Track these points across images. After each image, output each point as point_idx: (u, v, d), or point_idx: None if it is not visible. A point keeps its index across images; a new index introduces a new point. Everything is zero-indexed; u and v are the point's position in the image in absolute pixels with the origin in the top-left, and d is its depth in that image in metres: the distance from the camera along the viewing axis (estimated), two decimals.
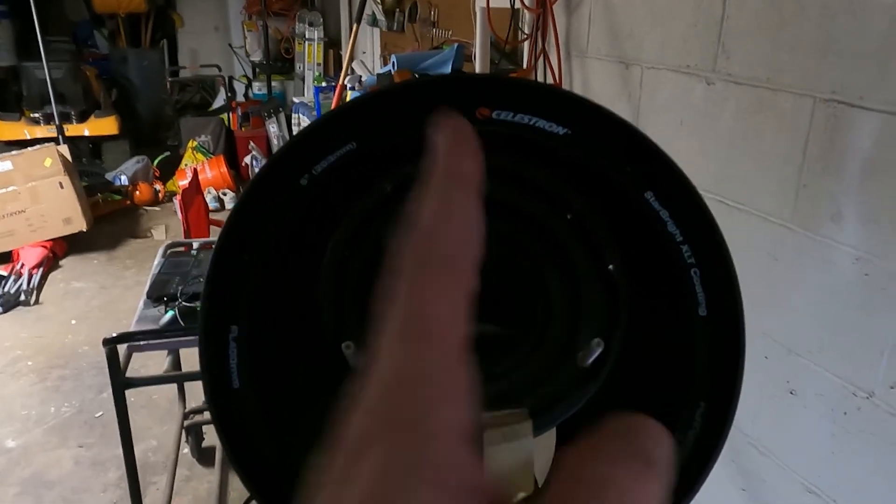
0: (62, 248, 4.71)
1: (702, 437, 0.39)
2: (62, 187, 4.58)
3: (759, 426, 1.63)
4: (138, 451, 2.01)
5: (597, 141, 0.42)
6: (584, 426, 0.40)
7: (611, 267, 0.38)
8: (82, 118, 5.82)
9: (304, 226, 0.42)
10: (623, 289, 0.38)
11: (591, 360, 0.36)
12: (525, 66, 2.33)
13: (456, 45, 3.46)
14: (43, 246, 4.53)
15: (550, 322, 0.39)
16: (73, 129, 5.67)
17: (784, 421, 1.55)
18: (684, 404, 0.40)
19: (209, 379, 0.39)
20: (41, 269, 4.37)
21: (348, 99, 3.99)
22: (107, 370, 1.86)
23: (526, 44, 2.34)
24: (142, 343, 1.93)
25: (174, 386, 2.75)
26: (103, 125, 5.89)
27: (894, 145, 1.25)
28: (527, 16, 2.29)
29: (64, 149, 4.87)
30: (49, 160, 4.60)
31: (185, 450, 2.72)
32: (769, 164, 1.49)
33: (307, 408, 0.45)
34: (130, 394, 1.92)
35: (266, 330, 0.41)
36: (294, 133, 4.88)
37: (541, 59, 2.22)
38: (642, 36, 1.85)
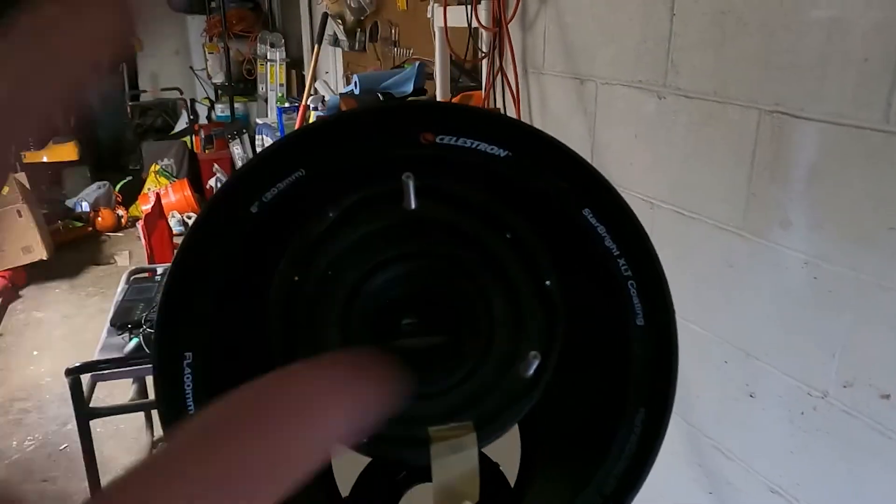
0: (22, 278, 4.61)
1: (642, 439, 0.41)
2: (20, 216, 4.49)
3: (721, 429, 1.67)
4: (105, 481, 1.97)
5: (536, 162, 0.44)
6: (531, 438, 0.42)
7: (548, 283, 0.40)
8: (40, 144, 5.73)
9: (256, 252, 0.43)
10: (559, 303, 0.40)
11: (531, 370, 0.38)
12: (483, 83, 2.37)
13: (417, 63, 3.49)
14: (1, 276, 4.43)
15: (494, 337, 0.41)
16: (31, 156, 5.58)
17: (745, 423, 1.59)
18: (626, 409, 0.42)
19: (165, 406, 0.40)
20: (0, 300, 4.27)
21: (311, 119, 4.00)
22: (71, 401, 1.83)
23: (484, 62, 2.38)
24: (106, 372, 1.91)
25: (141, 415, 2.71)
26: (62, 151, 5.80)
27: (835, 153, 1.30)
28: (484, 35, 2.34)
29: (21, 176, 4.78)
30: (6, 188, 4.51)
31: None
32: (720, 174, 1.54)
33: None
34: (96, 424, 1.89)
35: (220, 356, 0.42)
36: (237, 168, 4.86)
37: (499, 77, 2.26)
38: (595, 52, 1.90)
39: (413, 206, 0.41)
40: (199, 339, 0.41)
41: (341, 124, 0.44)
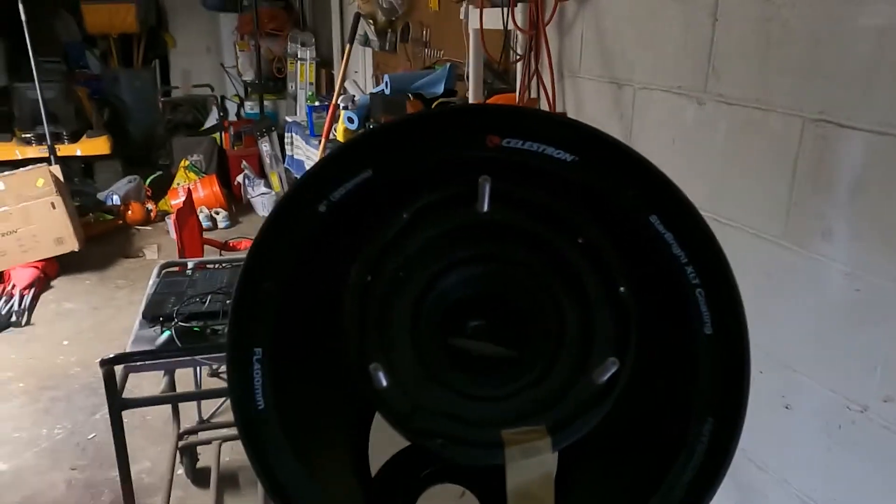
0: (54, 269, 4.69)
1: (710, 450, 0.41)
2: (54, 207, 4.57)
3: (755, 440, 1.65)
4: (132, 472, 1.99)
5: (603, 167, 0.44)
6: (599, 445, 0.42)
7: (622, 289, 0.40)
8: (74, 138, 5.82)
9: (324, 252, 0.43)
10: (633, 310, 0.40)
11: (605, 377, 0.38)
12: (518, 86, 2.36)
13: (448, 64, 3.50)
14: (34, 266, 4.51)
15: (563, 341, 0.41)
16: (64, 150, 5.66)
17: (780, 435, 1.56)
18: (692, 419, 0.42)
19: (236, 399, 0.41)
20: (32, 290, 4.35)
21: (341, 118, 4.02)
22: (99, 391, 1.86)
23: (519, 64, 2.38)
24: (138, 364, 1.93)
25: (168, 406, 2.74)
26: (95, 145, 5.89)
27: (879, 164, 1.28)
28: (520, 37, 2.33)
29: (56, 169, 4.86)
30: (41, 180, 4.59)
31: (180, 471, 2.70)
32: (760, 183, 1.52)
33: (322, 428, 0.46)
34: (124, 414, 1.91)
35: (288, 353, 0.43)
36: (289, 151, 4.85)
37: (534, 80, 2.26)
38: (634, 57, 1.89)
39: (486, 208, 0.41)
40: (267, 335, 0.41)
41: (408, 126, 0.44)
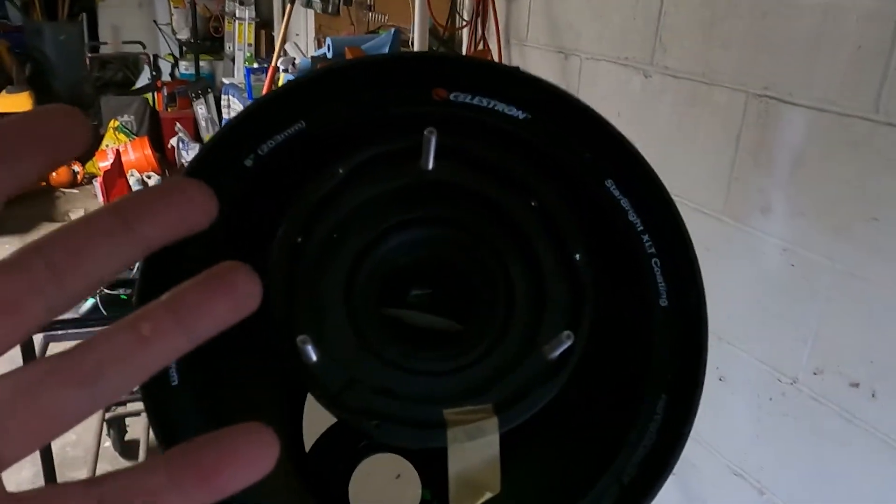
0: None
1: (664, 428, 0.38)
2: None
3: None
4: (55, 445, 1.90)
5: (557, 126, 0.40)
6: (544, 422, 0.39)
7: (577, 256, 0.37)
8: None
9: (249, 211, 0.39)
10: (588, 279, 0.37)
11: (558, 352, 0.35)
12: (464, 53, 2.31)
13: (393, 29, 3.41)
14: None
15: (513, 313, 0.37)
16: None
17: (713, 406, 1.60)
18: (645, 396, 0.39)
19: None
20: None
21: (281, 82, 3.88)
22: (18, 360, 1.75)
23: (465, 31, 2.32)
24: (59, 332, 1.83)
25: None
26: (16, 101, 5.55)
27: (818, 140, 1.30)
28: (466, 2, 2.28)
29: None
30: None
31: (107, 443, 2.60)
32: (704, 157, 1.53)
33: (246, 403, 0.42)
34: None
35: None
36: (226, 114, 4.68)
37: (480, 47, 2.21)
38: (581, 27, 1.86)
39: (430, 166, 0.37)
40: None
41: (346, 72, 0.40)
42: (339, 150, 0.39)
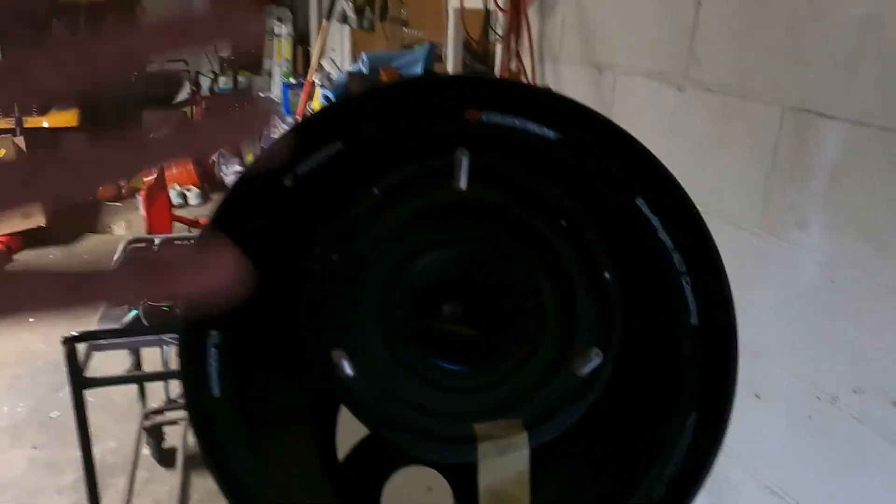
0: (18, 243, 4.57)
1: (694, 446, 0.39)
2: None
3: None
4: (96, 452, 1.95)
5: (588, 145, 0.41)
6: (575, 439, 0.39)
7: (606, 275, 0.38)
8: (42, 110, 5.66)
9: (289, 229, 0.40)
10: (617, 297, 0.38)
11: (588, 369, 0.35)
12: (498, 68, 2.33)
13: (427, 45, 3.45)
14: None
15: (544, 330, 0.38)
16: (32, 121, 5.51)
17: (749, 423, 1.57)
18: (675, 413, 0.40)
19: (189, 386, 0.38)
20: None
21: (317, 96, 3.95)
22: (63, 369, 1.80)
23: (499, 46, 2.34)
24: (103, 342, 1.88)
25: (134, 386, 2.69)
26: (63, 117, 5.73)
27: (859, 155, 1.28)
28: (500, 17, 2.29)
29: (21, 141, 4.72)
30: (3, 151, 4.45)
31: (146, 451, 2.65)
32: (738, 171, 1.52)
33: (283, 416, 0.44)
34: (89, 393, 1.87)
35: (247, 337, 0.40)
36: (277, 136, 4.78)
37: (513, 62, 2.22)
38: (615, 42, 1.86)
39: (463, 186, 0.38)
40: (225, 317, 0.38)
41: (381, 95, 0.41)
42: (375, 170, 0.40)
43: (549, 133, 0.41)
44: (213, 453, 0.37)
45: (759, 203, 1.47)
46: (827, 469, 1.40)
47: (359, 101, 0.41)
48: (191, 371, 0.38)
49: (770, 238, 1.46)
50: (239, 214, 0.38)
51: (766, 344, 1.51)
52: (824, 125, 1.32)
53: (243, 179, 0.40)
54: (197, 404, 0.37)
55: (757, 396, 1.55)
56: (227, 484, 0.36)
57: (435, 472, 0.42)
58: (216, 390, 0.38)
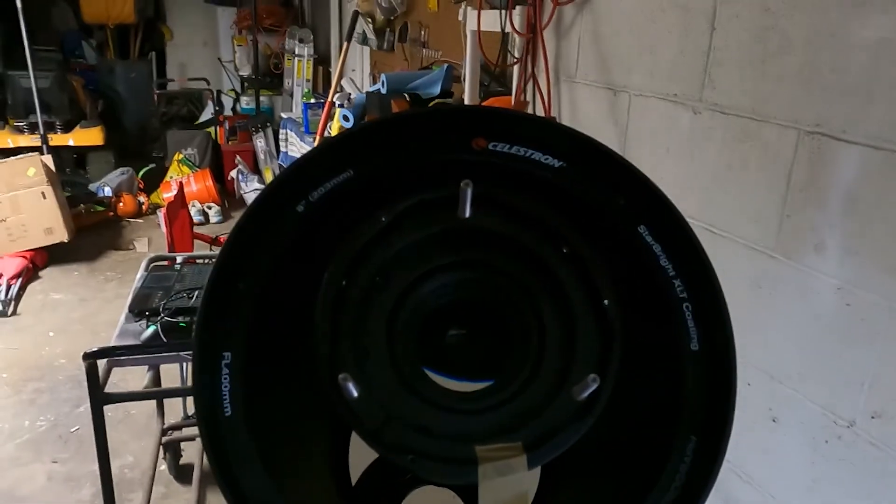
0: (42, 259, 4.65)
1: (693, 470, 0.39)
2: (44, 197, 4.53)
3: (740, 452, 1.64)
4: (114, 466, 1.97)
5: (591, 175, 0.42)
6: (574, 461, 0.40)
7: (606, 302, 0.39)
8: (67, 128, 5.77)
9: (301, 254, 0.42)
10: (617, 324, 0.39)
11: (585, 394, 0.36)
12: (514, 89, 2.35)
13: (445, 65, 3.48)
14: (23, 256, 4.46)
15: (544, 354, 0.39)
16: (57, 139, 5.62)
17: (766, 448, 1.56)
18: (675, 438, 0.40)
19: (201, 406, 0.39)
20: (20, 280, 4.31)
21: (336, 116, 4.00)
22: (84, 384, 1.82)
23: (515, 67, 2.36)
24: (122, 358, 1.91)
25: (153, 401, 2.71)
26: (88, 136, 5.84)
27: (874, 178, 1.27)
28: (517, 40, 2.32)
29: (48, 158, 4.82)
30: (32, 169, 4.55)
31: (163, 466, 2.67)
32: (754, 194, 1.51)
33: (295, 436, 0.45)
34: (108, 408, 1.89)
35: (258, 358, 0.41)
36: (283, 147, 4.83)
37: (530, 84, 2.24)
38: (630, 63, 1.88)
39: (468, 214, 0.40)
40: (238, 339, 0.40)
41: (391, 126, 0.42)
42: (383, 198, 0.41)
43: (554, 161, 0.43)
44: (225, 472, 0.38)
45: (775, 226, 1.47)
46: (844, 494, 1.38)
47: (370, 131, 0.43)
48: (204, 390, 0.39)
49: (785, 261, 1.46)
50: (255, 238, 0.40)
51: (782, 368, 1.50)
52: (840, 148, 1.32)
53: (258, 204, 0.41)
54: (209, 423, 0.38)
55: (774, 421, 1.54)
56: (236, 502, 0.37)
57: (449, 492, 0.43)
58: (228, 409, 0.39)
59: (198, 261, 2.47)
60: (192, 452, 2.66)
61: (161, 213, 4.72)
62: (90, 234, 5.18)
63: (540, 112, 2.17)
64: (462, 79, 2.88)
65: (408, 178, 0.43)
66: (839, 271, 1.35)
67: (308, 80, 6.49)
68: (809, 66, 1.37)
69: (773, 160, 1.46)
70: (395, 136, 0.42)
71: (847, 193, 1.32)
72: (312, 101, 5.39)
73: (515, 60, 2.36)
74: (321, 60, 6.56)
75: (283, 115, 5.90)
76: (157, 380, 2.40)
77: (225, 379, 0.40)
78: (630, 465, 0.42)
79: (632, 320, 0.41)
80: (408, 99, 3.19)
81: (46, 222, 4.56)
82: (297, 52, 6.57)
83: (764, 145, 1.48)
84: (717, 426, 0.39)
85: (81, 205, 5.37)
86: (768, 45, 1.46)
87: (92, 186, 5.71)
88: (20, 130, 5.60)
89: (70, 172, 5.76)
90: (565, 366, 0.38)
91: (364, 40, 4.90)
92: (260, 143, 6.22)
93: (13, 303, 4.08)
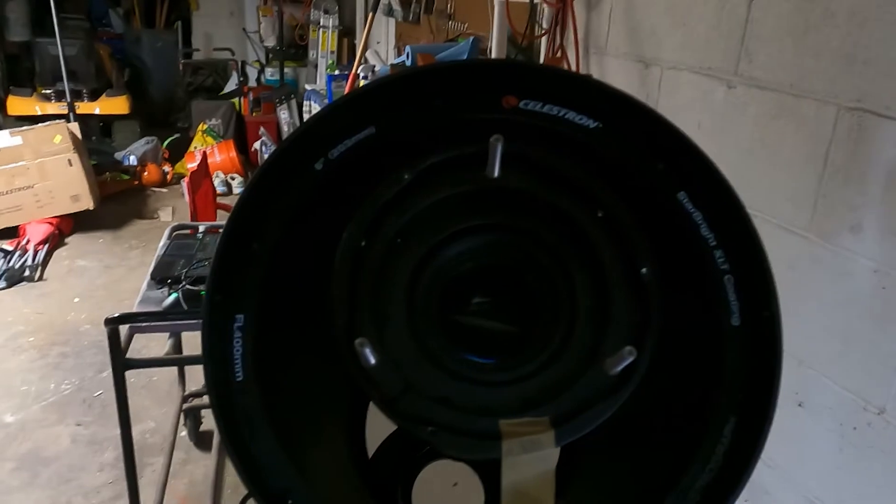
0: (68, 226, 4.70)
1: (731, 453, 0.37)
2: (71, 164, 4.57)
3: None
4: (136, 431, 1.99)
5: (629, 136, 0.39)
6: (606, 439, 0.38)
7: (643, 270, 0.36)
8: (94, 96, 5.81)
9: (318, 214, 0.39)
10: (655, 294, 0.36)
11: (619, 367, 0.34)
12: (542, 61, 2.30)
13: (471, 38, 3.43)
14: (49, 223, 4.52)
15: (575, 325, 0.37)
16: (84, 107, 5.66)
17: (791, 433, 1.52)
18: (713, 417, 0.38)
19: (211, 369, 0.37)
20: (46, 246, 4.36)
21: None
22: (108, 349, 1.84)
23: (544, 39, 2.31)
24: (144, 325, 1.91)
25: (174, 368, 2.74)
26: (114, 104, 5.87)
27: None
28: (546, 11, 2.26)
29: (74, 126, 4.85)
30: (59, 137, 4.58)
31: (183, 433, 2.70)
32: (789, 172, 1.47)
33: (309, 403, 0.43)
34: (130, 374, 1.90)
35: (272, 321, 0.39)
36: (307, 119, 4.86)
37: (558, 55, 2.19)
38: (663, 36, 1.82)
39: (496, 173, 0.37)
40: (251, 302, 0.38)
41: (416, 79, 0.40)
42: (406, 156, 0.39)
43: (589, 122, 0.40)
44: (233, 436, 0.36)
45: (810, 205, 1.42)
46: (871, 483, 1.35)
47: (394, 85, 0.40)
48: (214, 353, 0.37)
49: (820, 242, 1.41)
50: (269, 198, 0.38)
51: (812, 352, 1.46)
52: (882, 125, 1.27)
53: (273, 161, 0.39)
54: (218, 386, 0.36)
55: (800, 405, 1.50)
56: (244, 467, 0.36)
57: (466, 466, 0.41)
58: (239, 373, 0.38)
59: (219, 230, 2.47)
60: (212, 420, 2.68)
61: (185, 183, 4.74)
62: (115, 202, 5.23)
63: None
64: (489, 51, 2.83)
65: (432, 135, 0.40)
66: (877, 253, 1.30)
67: (333, 52, 6.45)
68: (852, 40, 1.31)
69: (810, 137, 1.41)
70: (421, 90, 0.39)
71: (889, 172, 1.27)
72: (336, 73, 5.35)
73: (544, 32, 2.31)
74: (346, 32, 6.51)
75: (308, 87, 5.88)
76: (178, 347, 2.42)
77: (237, 342, 0.38)
78: (664, 444, 0.40)
79: (670, 292, 0.38)
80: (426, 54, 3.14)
81: (73, 189, 4.60)
82: (322, 23, 6.53)
83: (801, 121, 1.43)
84: (759, 407, 0.37)
85: (107, 173, 5.41)
86: (809, 18, 1.40)
87: (117, 155, 5.75)
88: (47, 98, 5.65)
89: (96, 141, 5.80)
90: (597, 337, 0.35)
91: (389, 11, 4.84)
92: (284, 114, 6.21)
93: (40, 268, 4.14)
